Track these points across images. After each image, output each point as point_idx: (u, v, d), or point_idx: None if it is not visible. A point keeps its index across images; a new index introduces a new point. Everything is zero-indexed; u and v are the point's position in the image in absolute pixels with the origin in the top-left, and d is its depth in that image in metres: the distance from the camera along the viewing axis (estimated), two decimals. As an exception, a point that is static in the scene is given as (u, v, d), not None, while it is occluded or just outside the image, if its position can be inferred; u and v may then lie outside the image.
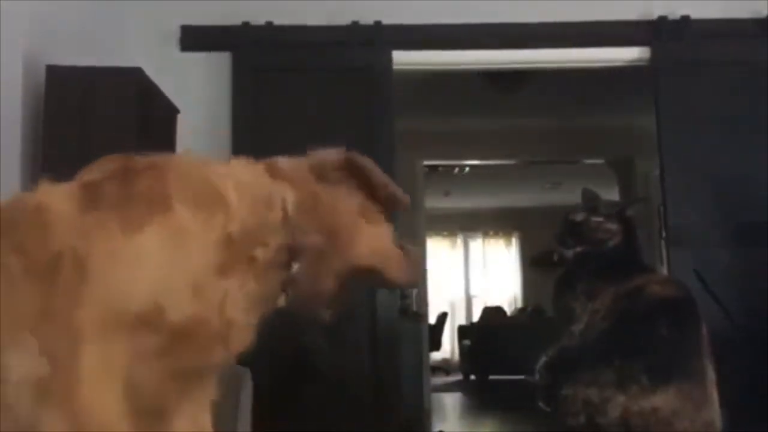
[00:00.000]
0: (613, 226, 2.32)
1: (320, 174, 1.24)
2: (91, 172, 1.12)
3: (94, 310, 1.00)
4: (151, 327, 1.04)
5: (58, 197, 1.06)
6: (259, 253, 1.14)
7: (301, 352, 3.30)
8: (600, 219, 2.33)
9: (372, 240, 1.25)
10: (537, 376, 2.20)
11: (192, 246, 1.07)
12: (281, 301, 1.21)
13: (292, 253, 1.18)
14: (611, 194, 6.42)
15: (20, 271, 1.02)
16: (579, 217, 2.37)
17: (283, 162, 1.24)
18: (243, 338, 1.17)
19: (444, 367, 10.80)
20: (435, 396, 7.20)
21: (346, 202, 1.23)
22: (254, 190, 1.17)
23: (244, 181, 1.17)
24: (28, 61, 2.46)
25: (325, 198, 1.21)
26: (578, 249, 2.36)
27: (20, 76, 2.42)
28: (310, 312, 1.25)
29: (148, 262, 1.03)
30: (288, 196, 1.18)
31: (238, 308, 1.13)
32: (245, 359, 1.36)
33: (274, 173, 1.20)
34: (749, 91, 3.41)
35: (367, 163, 1.27)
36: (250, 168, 1.20)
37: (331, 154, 1.28)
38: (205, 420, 1.23)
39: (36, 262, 1.02)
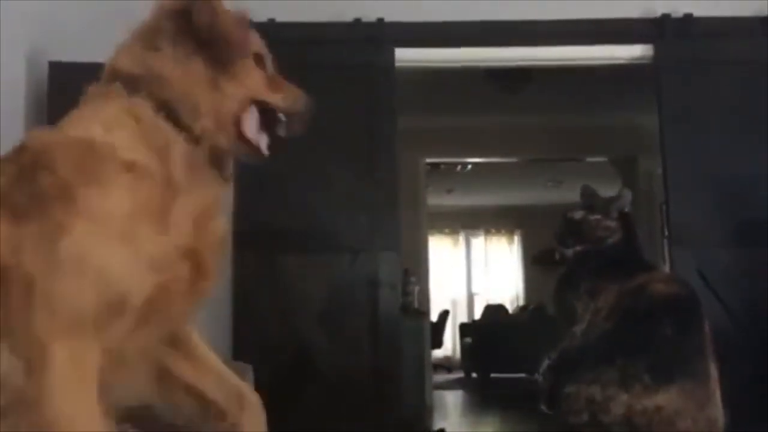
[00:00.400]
0: (611, 224, 2.31)
1: (158, 27, 1.26)
2: None
3: (52, 319, 1.01)
4: (118, 316, 1.06)
5: None
6: (168, 165, 1.15)
7: (302, 349, 3.31)
8: (598, 217, 2.32)
9: (222, 104, 1.24)
10: (540, 379, 2.19)
11: (116, 219, 1.07)
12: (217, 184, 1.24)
13: (195, 141, 1.20)
14: (614, 193, 6.40)
15: None
16: (577, 215, 2.37)
17: (125, 57, 1.26)
18: (217, 252, 1.20)
19: (445, 364, 10.80)
20: (437, 393, 7.20)
21: (191, 69, 1.22)
22: (117, 114, 1.17)
23: (105, 114, 1.17)
24: (31, 58, 2.46)
25: (170, 74, 1.21)
26: (578, 248, 2.35)
27: (23, 73, 2.43)
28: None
29: (87, 261, 1.04)
30: (146, 91, 1.19)
31: (191, 235, 1.14)
32: (247, 357, 1.37)
33: (128, 84, 1.21)
34: (752, 89, 3.40)
35: (201, 20, 1.24)
36: (106, 98, 1.21)
37: (170, 3, 1.27)
38: (186, 331, 1.28)
39: None
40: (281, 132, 1.34)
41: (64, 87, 2.53)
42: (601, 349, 2.04)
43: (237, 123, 1.25)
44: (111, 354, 1.07)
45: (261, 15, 3.44)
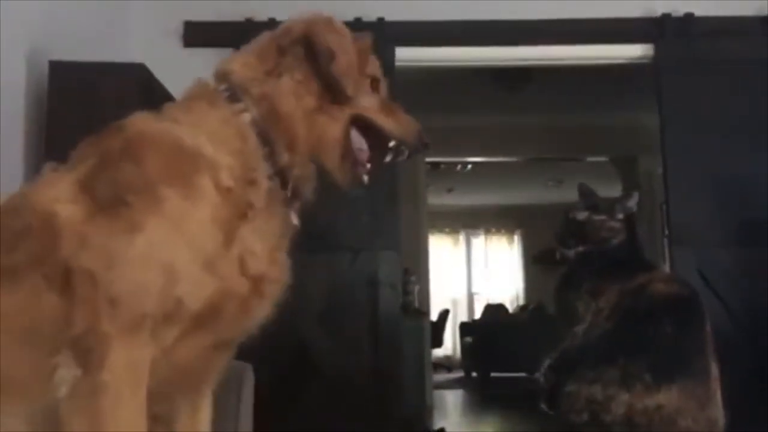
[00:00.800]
0: (616, 224, 2.30)
1: (282, 50, 1.25)
2: (80, 162, 1.15)
3: (113, 315, 1.03)
4: (175, 319, 1.07)
5: (62, 202, 1.09)
6: (253, 194, 1.16)
7: (302, 349, 3.31)
8: (603, 217, 2.31)
9: (325, 130, 1.24)
10: (542, 379, 2.19)
11: (190, 226, 1.09)
12: (294, 220, 1.24)
13: (281, 174, 1.21)
14: (614, 192, 6.40)
15: (42, 281, 1.07)
16: (581, 216, 2.35)
17: (239, 68, 1.24)
18: (279, 282, 1.21)
19: (446, 364, 10.80)
20: (437, 393, 7.21)
21: (302, 100, 1.22)
22: (224, 129, 1.18)
23: (212, 125, 1.18)
24: (32, 57, 2.45)
25: (281, 107, 1.21)
26: (580, 248, 2.34)
27: (24, 72, 2.42)
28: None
29: (154, 260, 1.05)
30: (252, 114, 1.20)
31: (258, 259, 1.15)
32: (247, 356, 1.37)
33: (233, 95, 1.21)
34: (753, 89, 3.39)
35: (323, 48, 1.23)
36: (213, 105, 1.21)
37: (296, 26, 1.28)
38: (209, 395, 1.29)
39: (52, 272, 1.06)
40: (389, 158, 1.33)
41: (64, 86, 2.53)
42: (602, 349, 2.04)
43: (343, 145, 1.25)
44: (157, 363, 1.08)
45: (261, 15, 3.44)
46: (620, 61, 3.72)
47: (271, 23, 3.43)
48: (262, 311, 1.20)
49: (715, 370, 2.01)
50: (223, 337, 1.18)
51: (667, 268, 3.83)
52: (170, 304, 1.05)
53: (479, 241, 12.30)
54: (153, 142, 1.13)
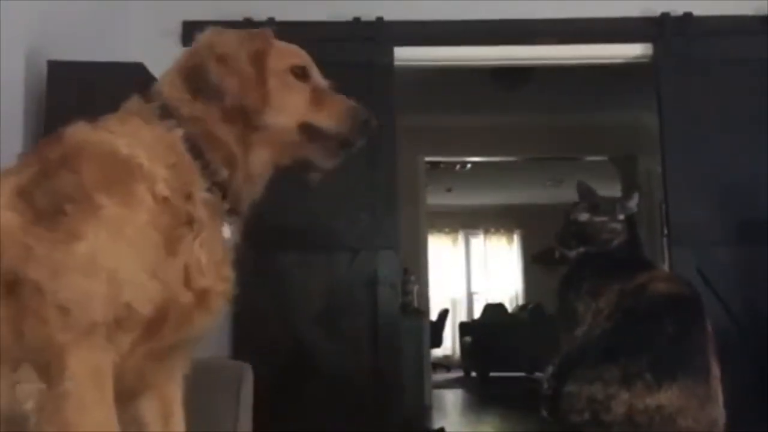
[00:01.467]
0: (617, 226, 2.30)
1: (193, 90, 1.26)
2: (23, 168, 1.16)
3: (65, 325, 1.03)
4: (128, 325, 1.08)
5: (1, 208, 1.09)
6: (190, 207, 1.17)
7: (301, 348, 3.30)
8: (604, 219, 2.31)
9: (264, 148, 1.26)
10: (545, 386, 2.18)
11: (130, 232, 1.09)
12: (226, 232, 1.25)
13: (221, 188, 1.22)
14: (613, 192, 6.40)
15: None
16: (582, 217, 2.34)
17: (167, 88, 1.27)
18: (224, 295, 1.21)
19: (445, 363, 10.80)
20: (436, 393, 7.21)
21: (231, 125, 1.22)
22: (158, 144, 1.19)
23: (147, 138, 1.19)
24: (30, 57, 2.45)
25: (215, 131, 1.22)
26: (581, 249, 2.34)
27: (22, 72, 2.41)
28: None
29: (97, 267, 1.06)
30: (184, 131, 1.21)
31: (204, 273, 1.16)
32: (246, 356, 1.37)
33: (164, 113, 1.23)
34: (752, 88, 3.39)
35: (210, 84, 1.23)
36: (146, 120, 1.23)
37: (197, 51, 1.28)
38: (172, 390, 1.29)
39: None
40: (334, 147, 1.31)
41: (63, 86, 2.52)
42: (603, 348, 2.04)
43: (290, 151, 1.27)
44: (117, 368, 1.08)
45: (261, 14, 3.44)
46: (619, 61, 3.72)
47: (270, 23, 3.43)
48: (205, 323, 1.21)
49: (715, 369, 2.01)
50: (163, 343, 1.18)
51: (666, 267, 3.83)
52: (120, 309, 1.06)
53: (478, 241, 12.30)
54: (90, 152, 1.14)
